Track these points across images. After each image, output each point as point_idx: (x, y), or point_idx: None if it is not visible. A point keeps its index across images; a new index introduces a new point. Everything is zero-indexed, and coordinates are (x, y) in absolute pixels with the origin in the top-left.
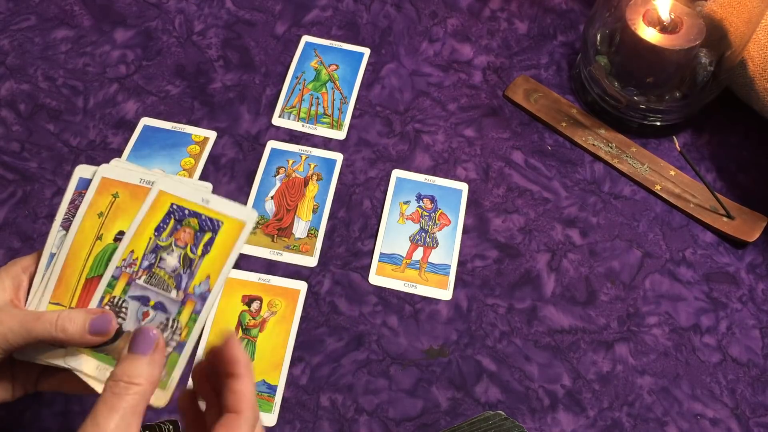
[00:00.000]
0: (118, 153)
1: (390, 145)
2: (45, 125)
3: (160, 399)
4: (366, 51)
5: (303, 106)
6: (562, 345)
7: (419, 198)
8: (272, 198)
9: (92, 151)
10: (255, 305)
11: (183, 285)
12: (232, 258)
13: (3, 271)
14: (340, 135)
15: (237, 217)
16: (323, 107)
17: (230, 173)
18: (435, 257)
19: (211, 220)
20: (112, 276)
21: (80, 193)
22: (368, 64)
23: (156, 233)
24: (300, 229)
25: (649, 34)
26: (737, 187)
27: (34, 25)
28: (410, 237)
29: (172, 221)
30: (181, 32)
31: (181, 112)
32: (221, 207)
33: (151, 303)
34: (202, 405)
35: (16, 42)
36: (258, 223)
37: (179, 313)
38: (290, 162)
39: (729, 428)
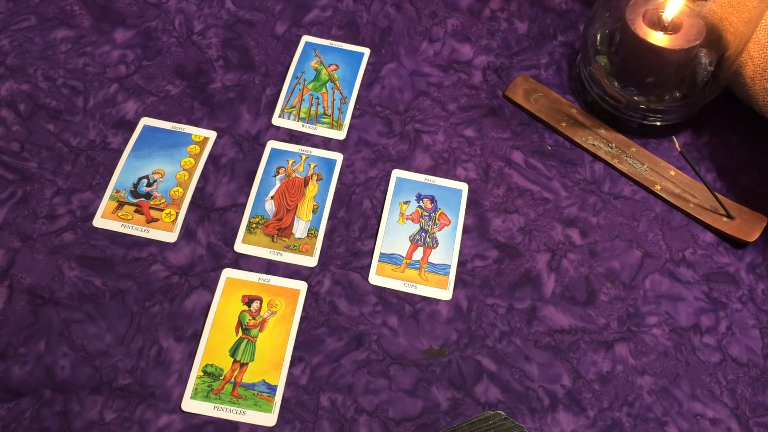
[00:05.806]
0: (118, 153)
1: (390, 145)
2: (45, 125)
3: None
4: (366, 51)
5: (303, 106)
6: (562, 345)
7: (419, 198)
8: (272, 198)
9: (92, 151)
10: (255, 305)
11: None
12: None
13: None
14: (340, 135)
15: None
16: (323, 107)
17: (230, 173)
18: (435, 257)
19: None
20: None
21: None
22: (368, 64)
23: None
24: (300, 229)
25: (649, 34)
26: (737, 187)
27: (34, 25)
28: (410, 237)
29: None
30: (181, 32)
31: (181, 112)
32: None
33: None
34: None
35: (16, 42)
36: (258, 223)
37: None
38: (290, 162)
39: (729, 428)
